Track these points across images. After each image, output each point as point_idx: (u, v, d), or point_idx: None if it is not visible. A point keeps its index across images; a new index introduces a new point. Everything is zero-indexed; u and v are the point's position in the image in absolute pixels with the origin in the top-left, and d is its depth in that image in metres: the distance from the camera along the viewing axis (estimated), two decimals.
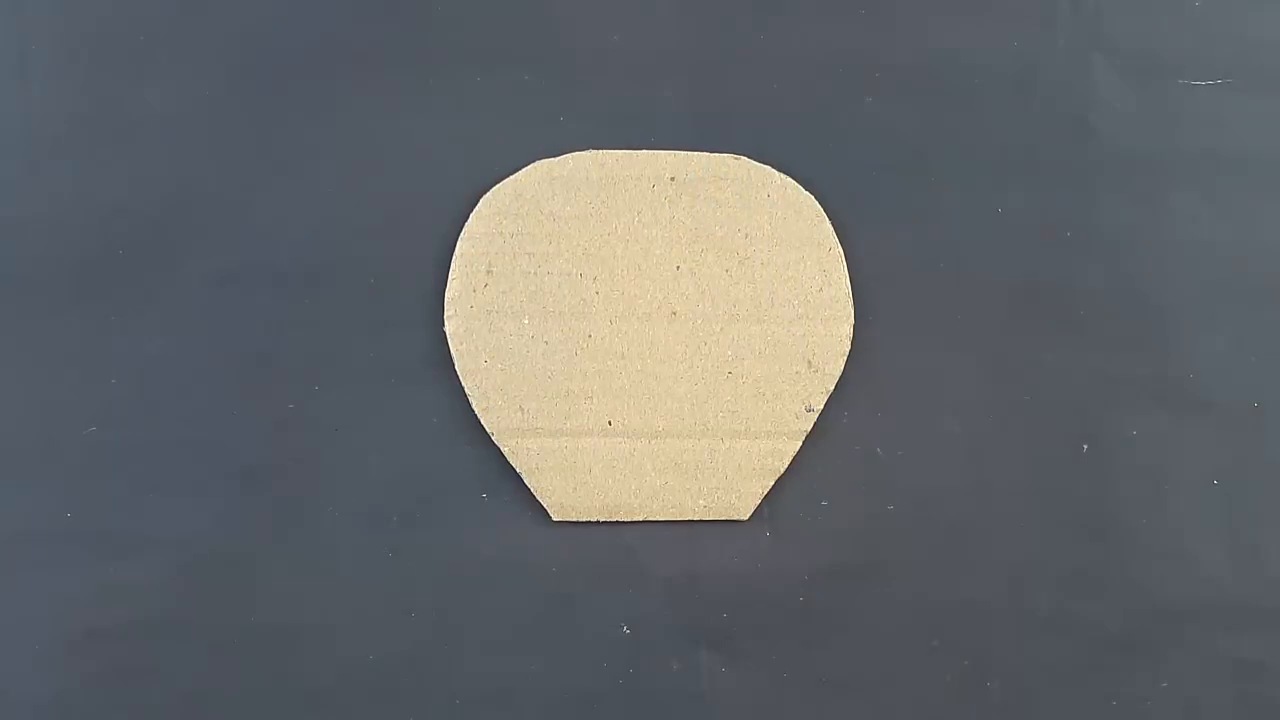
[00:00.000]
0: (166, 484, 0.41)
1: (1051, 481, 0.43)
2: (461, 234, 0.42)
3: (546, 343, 0.42)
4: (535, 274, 0.42)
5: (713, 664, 0.42)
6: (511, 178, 0.42)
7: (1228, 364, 0.43)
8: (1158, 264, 0.44)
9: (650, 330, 0.42)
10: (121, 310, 0.41)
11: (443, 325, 0.42)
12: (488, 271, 0.42)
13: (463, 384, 0.41)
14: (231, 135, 0.42)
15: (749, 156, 0.43)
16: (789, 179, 0.43)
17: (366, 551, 0.41)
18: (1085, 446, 0.43)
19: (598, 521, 0.42)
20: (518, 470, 0.41)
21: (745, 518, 0.42)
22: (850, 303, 0.42)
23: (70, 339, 0.41)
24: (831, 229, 0.42)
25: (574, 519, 0.41)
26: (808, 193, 0.43)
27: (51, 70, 0.42)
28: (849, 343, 0.42)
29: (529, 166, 0.42)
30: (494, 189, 0.42)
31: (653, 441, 0.42)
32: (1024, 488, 0.42)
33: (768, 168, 0.43)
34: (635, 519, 0.42)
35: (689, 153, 0.43)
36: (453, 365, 0.41)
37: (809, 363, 0.42)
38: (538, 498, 0.41)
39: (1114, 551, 0.42)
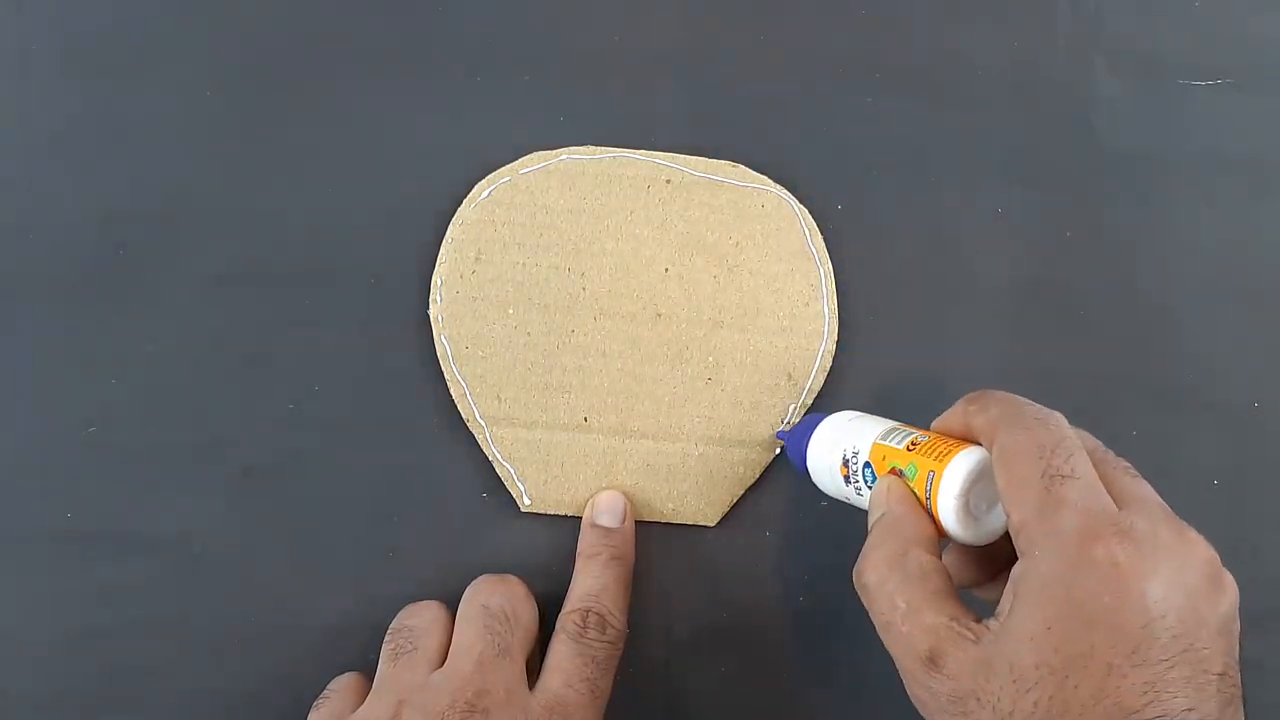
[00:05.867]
0: (166, 484, 0.41)
1: None
2: (453, 219, 0.42)
3: (529, 334, 0.42)
4: (524, 265, 0.42)
5: (713, 664, 0.42)
6: (507, 167, 0.42)
7: (1228, 364, 0.43)
8: (1158, 264, 0.44)
9: (634, 330, 0.42)
10: (121, 310, 0.41)
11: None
12: (476, 259, 0.42)
13: (441, 369, 0.41)
14: (231, 135, 0.42)
15: (747, 154, 0.43)
16: (785, 190, 0.42)
17: (366, 551, 0.41)
18: None
19: (566, 516, 0.42)
20: (489, 459, 0.41)
21: (713, 524, 0.42)
22: (836, 320, 0.42)
23: (70, 339, 0.41)
24: (824, 244, 0.42)
25: (541, 511, 0.41)
26: (803, 206, 0.42)
27: (51, 70, 0.42)
28: (830, 359, 0.42)
29: (525, 157, 0.42)
30: (488, 177, 0.42)
31: (627, 441, 0.42)
32: None
33: (764, 177, 0.42)
34: None
35: (686, 156, 0.43)
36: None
37: (789, 375, 0.42)
38: (506, 487, 0.41)
39: None
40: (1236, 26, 0.45)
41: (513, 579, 0.39)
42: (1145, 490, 0.31)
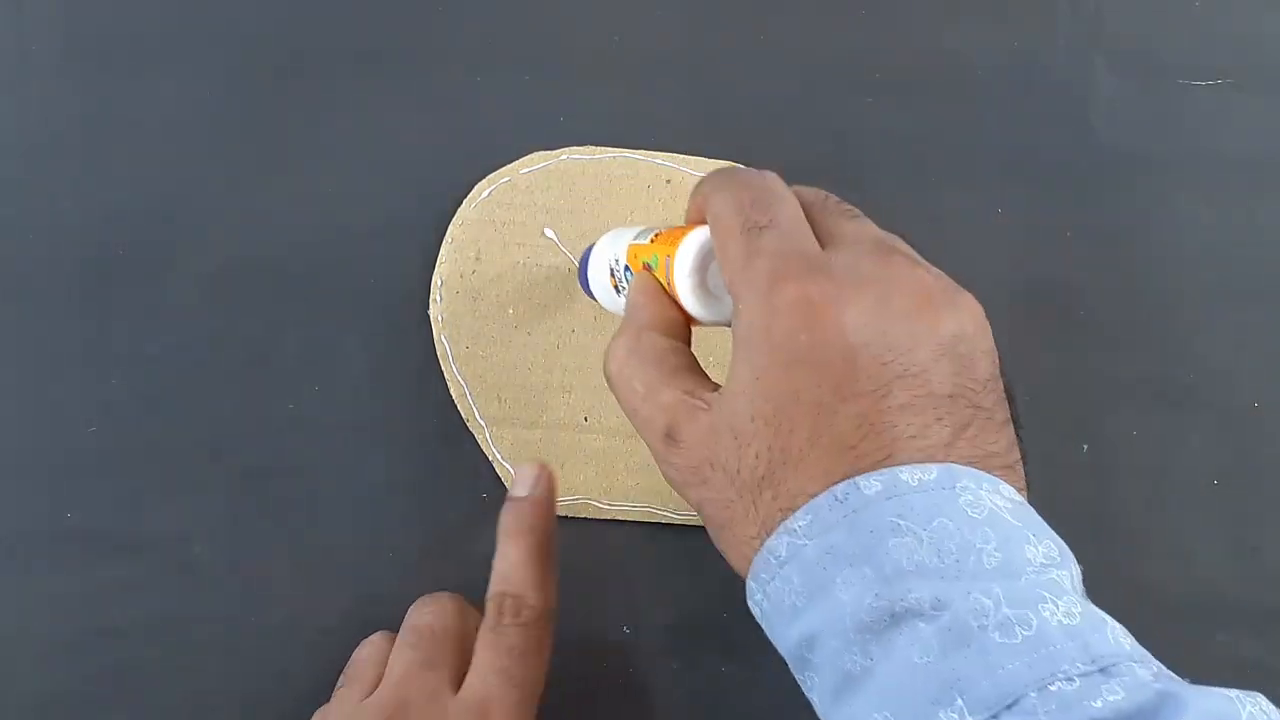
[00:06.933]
0: (166, 484, 0.41)
1: (1051, 481, 0.43)
2: (453, 219, 0.42)
3: (529, 334, 0.42)
4: (524, 265, 0.42)
5: (713, 664, 0.42)
6: (507, 167, 0.42)
7: (1228, 364, 0.43)
8: (1158, 264, 0.44)
9: None
10: (121, 310, 0.41)
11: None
12: (476, 259, 0.42)
13: (441, 368, 0.41)
14: (231, 135, 0.42)
15: (747, 154, 0.43)
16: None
17: (366, 551, 0.41)
18: (1085, 446, 0.43)
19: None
20: (489, 459, 0.41)
21: None
22: None
23: (70, 339, 0.41)
24: None
25: None
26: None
27: (51, 70, 0.42)
28: None
29: (525, 157, 0.42)
30: (488, 177, 0.42)
31: (627, 441, 0.42)
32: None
33: None
34: (603, 518, 0.42)
35: (686, 156, 0.42)
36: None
37: None
38: (507, 487, 0.41)
39: (1114, 551, 0.42)
40: (1236, 26, 0.45)
41: (443, 595, 0.38)
42: (860, 228, 0.30)
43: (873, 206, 0.43)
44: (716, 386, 0.29)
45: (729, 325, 0.31)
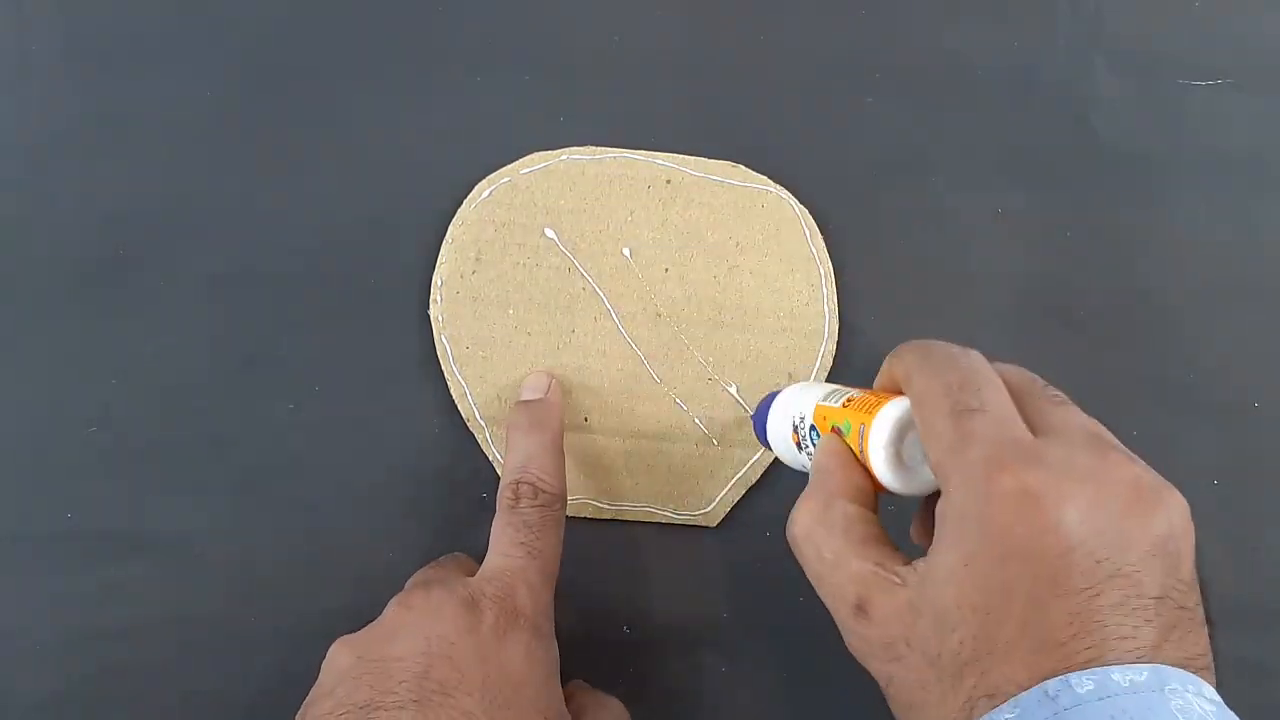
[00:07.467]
0: (166, 484, 0.41)
1: None
2: (453, 219, 0.42)
3: (529, 334, 0.42)
4: (524, 265, 0.42)
5: (713, 664, 0.42)
6: (508, 167, 0.42)
7: (1228, 364, 0.43)
8: (1158, 264, 0.44)
9: (633, 330, 0.42)
10: (121, 310, 0.41)
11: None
12: (476, 259, 0.42)
13: (442, 369, 0.41)
14: (231, 135, 0.42)
15: (747, 154, 0.43)
16: (785, 191, 0.42)
17: (367, 551, 0.41)
18: None
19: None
20: (489, 459, 0.41)
21: (713, 524, 0.42)
22: (836, 320, 0.42)
23: (70, 339, 0.41)
24: (824, 244, 0.42)
25: None
26: (803, 206, 0.42)
27: (51, 70, 0.42)
28: (831, 359, 0.42)
29: (525, 157, 0.42)
30: (488, 177, 0.42)
31: (627, 441, 0.42)
32: None
33: (764, 177, 0.42)
34: (603, 518, 0.42)
35: (686, 156, 0.42)
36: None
37: (789, 375, 0.42)
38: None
39: None
40: (1236, 26, 0.45)
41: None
42: (1071, 417, 0.30)
43: (873, 206, 0.44)
44: (906, 560, 0.29)
45: (919, 497, 0.31)
